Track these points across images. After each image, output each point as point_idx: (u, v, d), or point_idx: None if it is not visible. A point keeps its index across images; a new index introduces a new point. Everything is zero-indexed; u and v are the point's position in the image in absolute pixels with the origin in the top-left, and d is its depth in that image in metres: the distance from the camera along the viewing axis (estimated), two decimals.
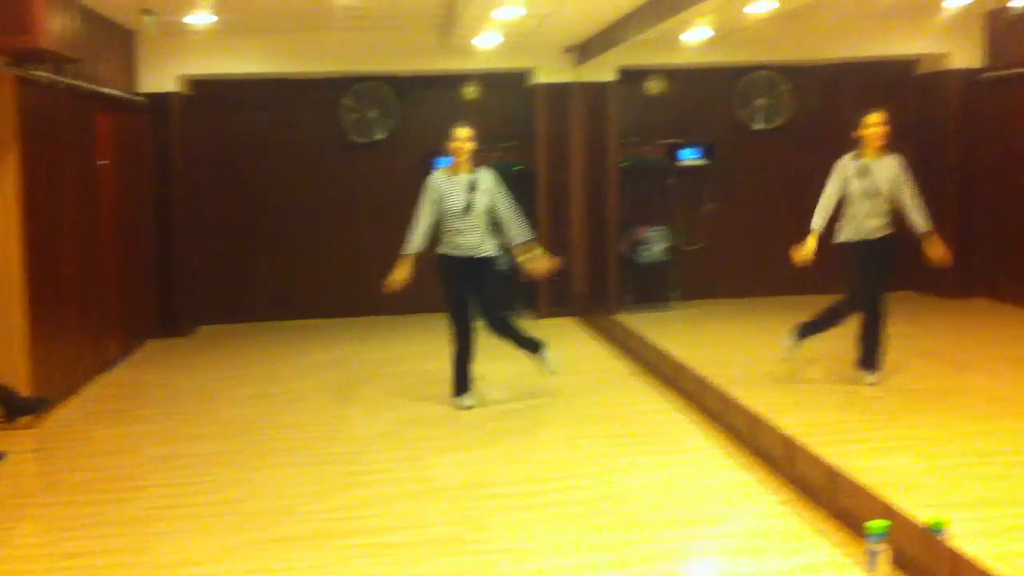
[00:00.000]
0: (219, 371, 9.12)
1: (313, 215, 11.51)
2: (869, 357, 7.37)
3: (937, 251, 7.36)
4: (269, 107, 11.44)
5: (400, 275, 7.24)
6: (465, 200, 7.13)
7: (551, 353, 7.52)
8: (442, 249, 7.28)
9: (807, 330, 7.61)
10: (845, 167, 7.30)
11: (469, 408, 7.28)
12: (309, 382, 8.50)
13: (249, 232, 11.44)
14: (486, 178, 7.23)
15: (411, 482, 5.84)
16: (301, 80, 11.27)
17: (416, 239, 7.21)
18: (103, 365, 8.88)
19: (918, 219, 7.26)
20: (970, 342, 9.17)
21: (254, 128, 11.44)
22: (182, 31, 10.01)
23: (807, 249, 7.40)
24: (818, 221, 7.36)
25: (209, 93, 11.14)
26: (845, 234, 7.36)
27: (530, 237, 7.49)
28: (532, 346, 7.50)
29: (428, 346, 9.78)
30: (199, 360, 9.67)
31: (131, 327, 9.79)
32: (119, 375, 9.01)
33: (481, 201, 7.16)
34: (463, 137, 7.18)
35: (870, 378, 7.35)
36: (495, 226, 7.28)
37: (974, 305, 10.79)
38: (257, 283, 11.48)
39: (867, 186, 7.18)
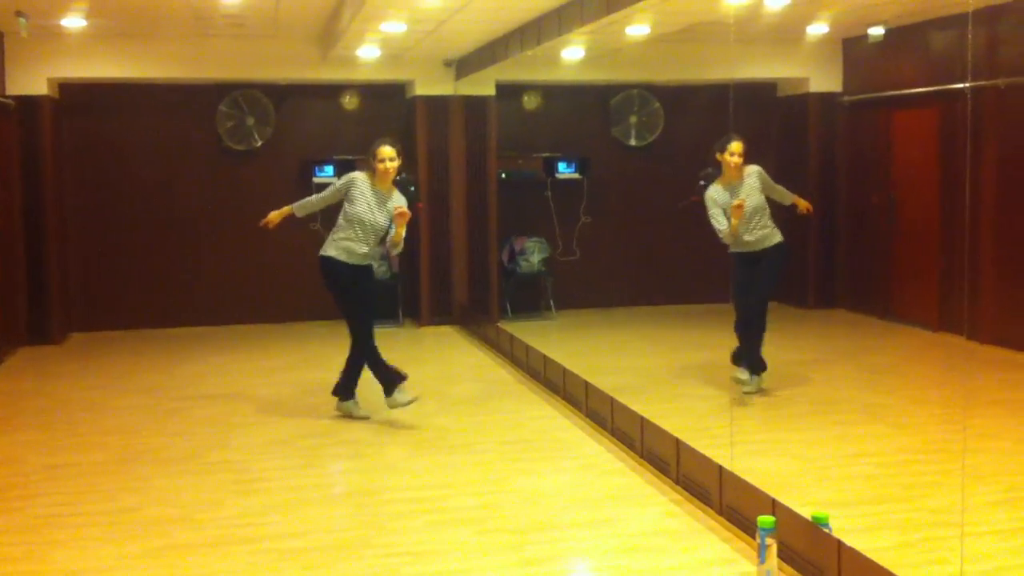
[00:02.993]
0: (95, 380, 8.93)
1: (187, 222, 11.39)
2: (758, 362, 7.68)
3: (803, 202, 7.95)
4: (144, 112, 11.25)
5: (276, 217, 7.25)
6: (384, 218, 7.04)
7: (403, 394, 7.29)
8: (330, 252, 7.15)
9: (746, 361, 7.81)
10: (716, 198, 7.51)
11: (364, 418, 7.28)
12: (189, 391, 8.43)
13: (122, 239, 11.23)
14: (399, 200, 7.10)
15: (308, 489, 5.88)
16: (177, 86, 11.13)
17: (306, 206, 7.25)
18: None
19: (787, 196, 7.81)
20: (834, 351, 9.67)
21: (128, 133, 11.24)
22: (54, 34, 9.82)
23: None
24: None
25: (81, 97, 10.93)
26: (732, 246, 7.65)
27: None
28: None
29: (307, 354, 9.81)
30: (73, 369, 9.46)
31: (2, 335, 9.53)
32: None
33: (387, 220, 7.09)
34: (388, 156, 6.99)
35: (750, 385, 7.65)
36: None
37: (835, 316, 11.37)
38: (130, 291, 11.28)
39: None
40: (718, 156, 7.60)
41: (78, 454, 6.63)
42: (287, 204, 7.36)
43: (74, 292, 11.01)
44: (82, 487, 5.94)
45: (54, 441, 6.99)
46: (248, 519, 5.37)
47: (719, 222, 7.48)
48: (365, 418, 7.31)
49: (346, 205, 7.09)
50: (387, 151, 7.00)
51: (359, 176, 7.13)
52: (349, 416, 7.36)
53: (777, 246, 7.65)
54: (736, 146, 7.53)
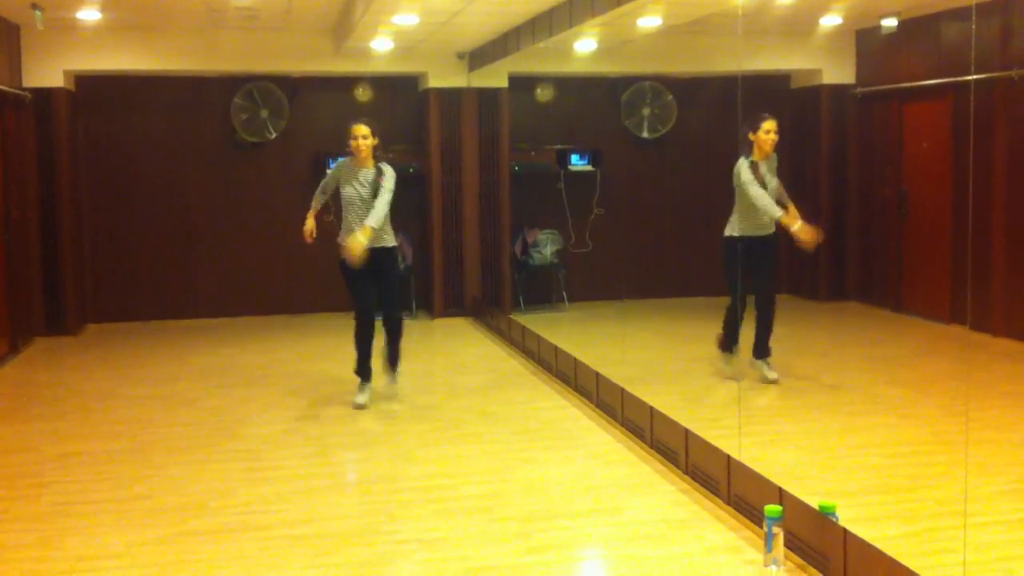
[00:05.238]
0: (109, 371, 9.01)
1: (202, 214, 11.45)
2: (763, 347, 7.74)
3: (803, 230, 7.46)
4: (158, 105, 11.32)
5: (310, 226, 7.49)
6: (368, 193, 7.21)
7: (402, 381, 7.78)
8: (343, 240, 7.31)
9: (726, 343, 7.88)
10: (753, 173, 7.55)
11: (360, 407, 7.39)
12: (202, 381, 8.49)
13: (137, 231, 11.31)
14: (389, 174, 7.26)
15: (318, 477, 5.93)
16: (191, 78, 11.19)
17: (318, 197, 7.60)
18: None
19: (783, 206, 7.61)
20: (845, 343, 9.68)
21: (142, 125, 11.31)
22: (69, 26, 9.89)
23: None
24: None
25: (96, 89, 11.01)
26: (733, 229, 7.67)
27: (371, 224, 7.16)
28: (395, 361, 7.64)
29: (319, 346, 9.86)
30: (88, 359, 9.54)
31: (18, 326, 9.63)
32: (8, 374, 8.89)
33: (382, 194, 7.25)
34: (361, 134, 7.25)
35: (771, 373, 7.72)
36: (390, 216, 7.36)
37: (847, 308, 11.36)
38: (145, 282, 11.35)
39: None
40: (751, 136, 7.63)
41: (91, 443, 6.70)
42: (299, 195, 7.49)
43: (89, 284, 11.10)
44: (95, 475, 6.00)
45: (67, 430, 7.06)
46: (259, 507, 5.42)
47: (765, 195, 7.45)
48: (360, 406, 7.41)
49: (340, 191, 7.37)
50: (359, 129, 7.27)
51: (341, 160, 7.50)
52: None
53: (774, 233, 7.69)
54: (770, 124, 7.60)
